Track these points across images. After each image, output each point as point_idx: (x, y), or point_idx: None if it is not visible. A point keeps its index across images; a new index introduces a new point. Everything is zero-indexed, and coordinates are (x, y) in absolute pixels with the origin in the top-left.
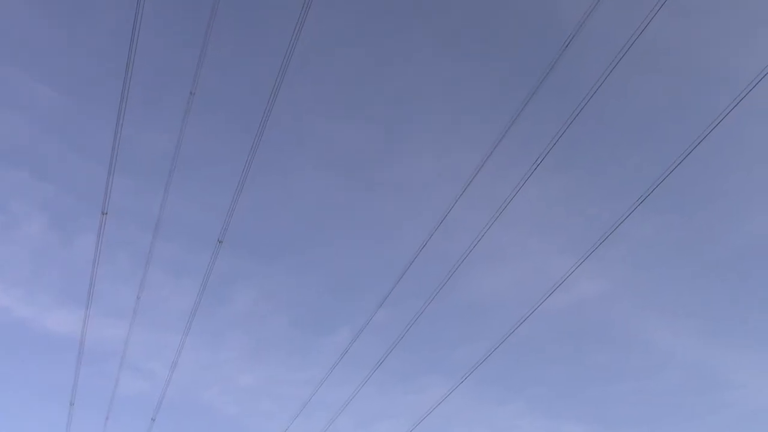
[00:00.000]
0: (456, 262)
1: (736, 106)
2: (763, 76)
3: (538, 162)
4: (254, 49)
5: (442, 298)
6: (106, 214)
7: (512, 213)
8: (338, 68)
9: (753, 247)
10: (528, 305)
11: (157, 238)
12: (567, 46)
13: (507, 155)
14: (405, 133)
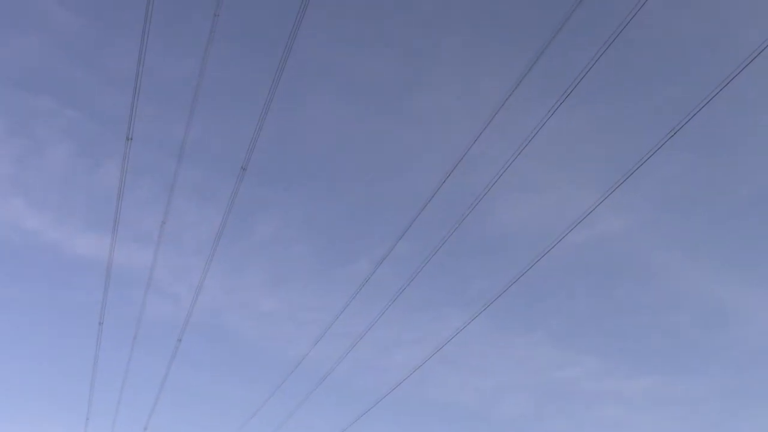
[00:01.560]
0: (479, 194)
1: None
2: None
3: (566, 94)
4: None
5: (464, 230)
6: (131, 139)
7: (537, 146)
8: None
9: None
10: (549, 239)
11: (182, 164)
12: None
13: (533, 87)
14: (429, 64)
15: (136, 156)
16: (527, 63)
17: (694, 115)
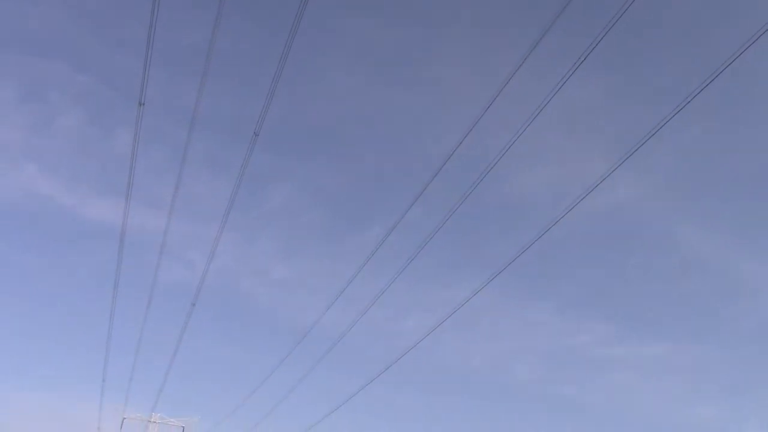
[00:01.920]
0: (491, 162)
1: None
2: None
3: (579, 62)
4: None
5: (477, 198)
6: (143, 104)
7: (551, 114)
8: None
9: None
10: (563, 206)
11: (194, 131)
12: None
13: (547, 56)
14: (443, 31)
15: (149, 122)
16: (540, 31)
17: (708, 84)
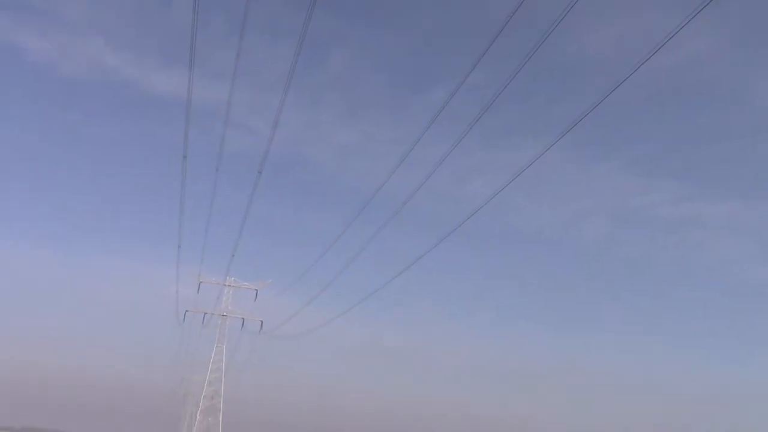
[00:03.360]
0: (556, 19)
1: None
2: None
3: None
4: None
5: (543, 56)
6: None
7: None
8: None
9: None
10: (633, 62)
11: None
12: None
13: None
14: None
15: None
16: None
17: None
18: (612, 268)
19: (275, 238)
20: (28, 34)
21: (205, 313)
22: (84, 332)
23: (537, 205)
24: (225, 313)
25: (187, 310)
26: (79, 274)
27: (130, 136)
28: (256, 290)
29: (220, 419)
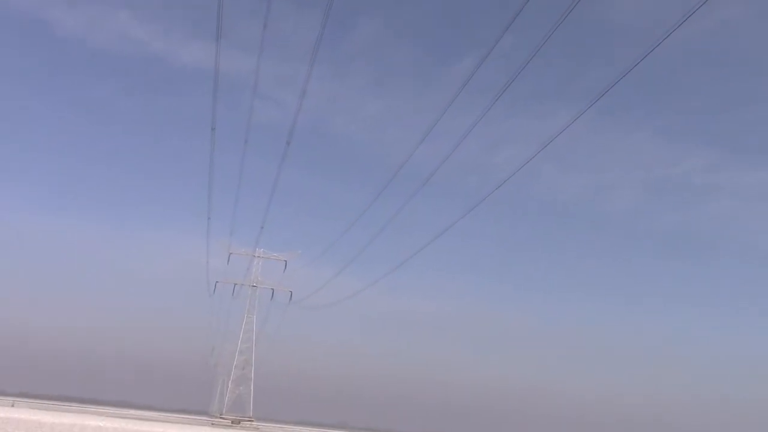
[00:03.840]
0: None
1: None
2: None
3: None
4: None
5: (570, 23)
6: None
7: None
8: None
9: None
10: (663, 30)
11: None
12: None
13: None
14: None
15: None
16: None
17: None
18: (643, 238)
19: (304, 209)
20: (57, 8)
21: (236, 284)
22: (116, 304)
23: (566, 175)
24: (255, 284)
25: (217, 281)
26: (111, 246)
27: (158, 109)
28: (285, 261)
29: (251, 388)
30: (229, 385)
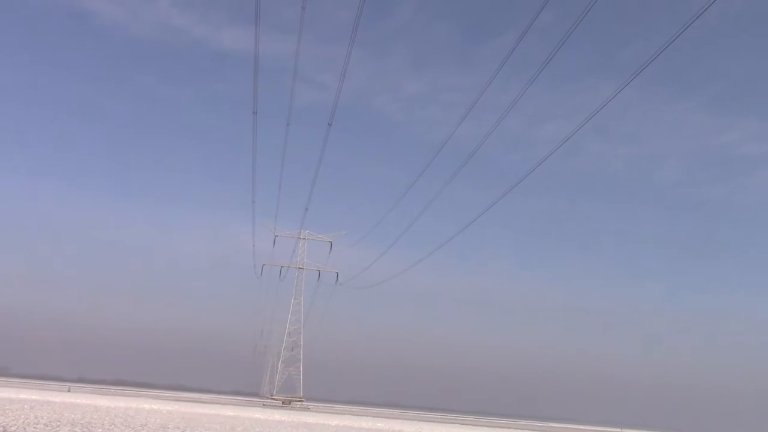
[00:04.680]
0: None
1: None
2: None
3: None
4: None
5: None
6: None
7: None
8: None
9: None
10: None
11: None
12: None
13: None
14: None
15: None
16: None
17: None
18: (689, 210)
19: (347, 190)
20: None
21: (282, 266)
22: (166, 290)
23: (611, 148)
24: (301, 266)
25: (264, 264)
26: (157, 232)
27: (200, 95)
28: (331, 242)
29: (301, 369)
30: (279, 367)
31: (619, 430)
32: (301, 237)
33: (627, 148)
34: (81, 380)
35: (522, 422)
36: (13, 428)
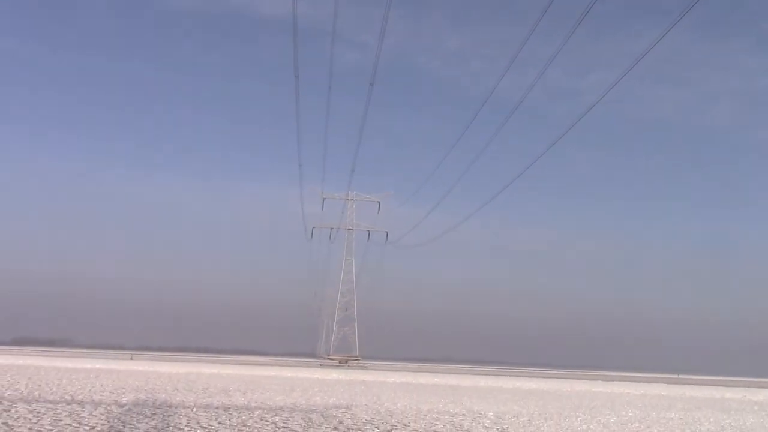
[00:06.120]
0: None
1: None
2: None
3: None
4: None
5: None
6: None
7: None
8: None
9: None
10: None
11: None
12: None
13: None
14: None
15: None
16: None
17: None
18: (742, 155)
19: (392, 149)
20: None
21: (332, 228)
22: (220, 255)
23: (658, 92)
24: (350, 227)
25: (314, 227)
26: (206, 199)
27: (242, 62)
28: (379, 202)
29: (356, 328)
30: (334, 327)
31: (675, 375)
32: (349, 198)
33: (675, 91)
34: (143, 348)
35: (580, 372)
36: (80, 396)
